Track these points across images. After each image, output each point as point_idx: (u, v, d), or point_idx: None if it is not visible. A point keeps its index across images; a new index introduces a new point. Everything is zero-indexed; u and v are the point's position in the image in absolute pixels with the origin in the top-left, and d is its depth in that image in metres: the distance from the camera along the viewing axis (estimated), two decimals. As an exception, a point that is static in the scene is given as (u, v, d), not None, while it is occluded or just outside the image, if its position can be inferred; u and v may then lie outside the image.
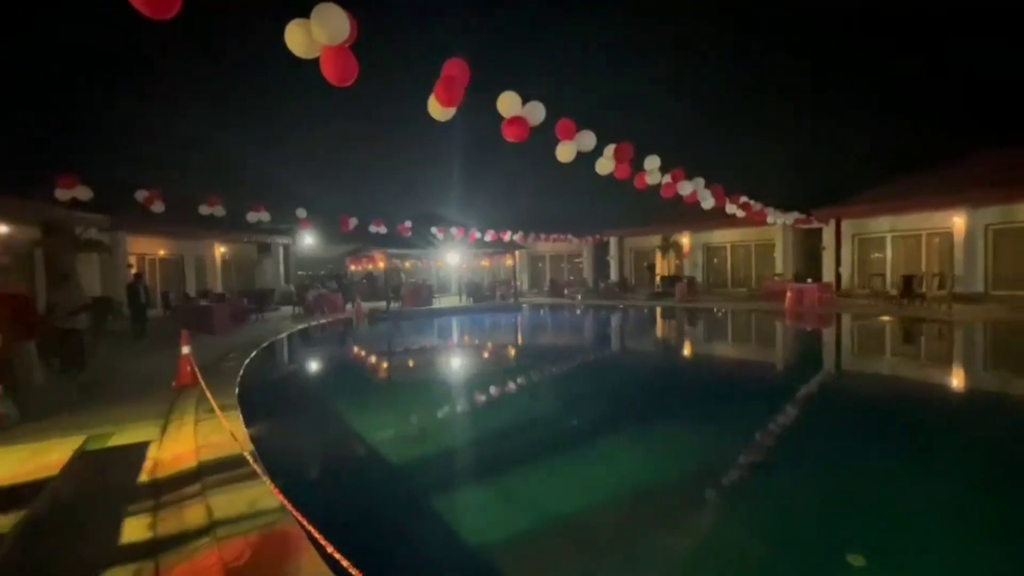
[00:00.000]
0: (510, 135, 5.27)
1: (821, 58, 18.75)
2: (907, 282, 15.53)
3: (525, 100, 5.40)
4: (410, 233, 14.59)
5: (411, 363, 11.10)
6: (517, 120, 5.21)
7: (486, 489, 4.22)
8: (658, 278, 23.86)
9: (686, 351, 11.46)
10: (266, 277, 22.77)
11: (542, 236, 24.66)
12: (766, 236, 21.34)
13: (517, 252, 25.15)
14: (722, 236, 23.11)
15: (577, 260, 29.24)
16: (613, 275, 26.19)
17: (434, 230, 16.78)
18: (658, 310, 18.92)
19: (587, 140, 6.60)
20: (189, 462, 3.85)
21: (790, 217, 17.63)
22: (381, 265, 22.10)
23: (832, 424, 5.72)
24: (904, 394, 7.11)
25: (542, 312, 20.76)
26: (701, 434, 5.39)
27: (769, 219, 16.56)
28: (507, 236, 21.46)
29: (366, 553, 2.38)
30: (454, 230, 18.67)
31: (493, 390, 7.88)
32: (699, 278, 23.37)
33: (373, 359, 11.81)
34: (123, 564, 2.55)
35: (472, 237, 19.48)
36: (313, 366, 11.02)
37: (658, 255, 24.83)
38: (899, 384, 7.68)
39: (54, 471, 3.34)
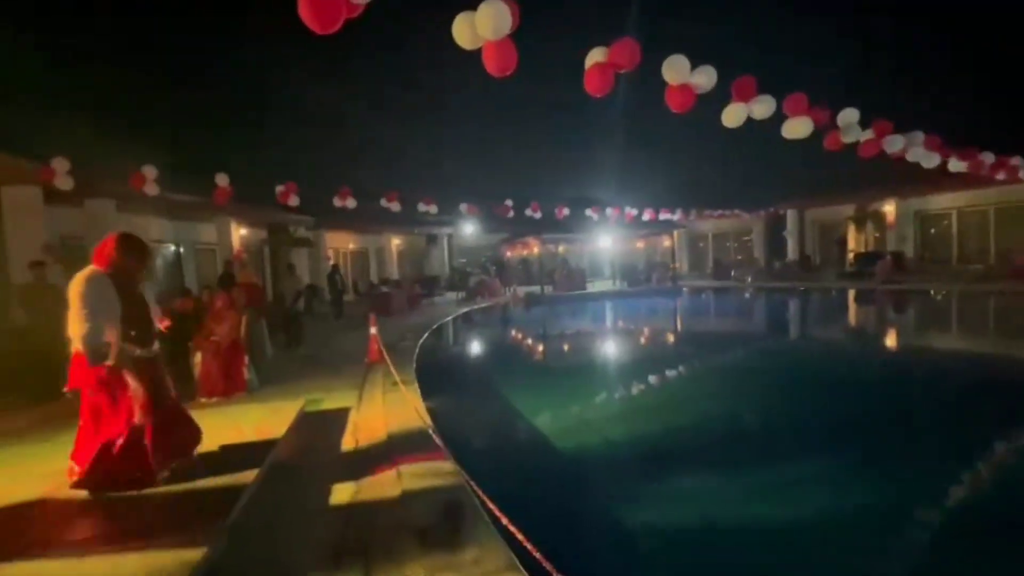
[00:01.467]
0: (675, 105, 4.84)
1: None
2: None
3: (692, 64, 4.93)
4: (565, 215, 14.67)
5: (566, 346, 11.26)
6: (683, 89, 4.74)
7: (649, 482, 4.07)
8: (851, 255, 20.46)
9: (897, 343, 9.63)
10: (433, 265, 25.13)
11: (704, 213, 22.82)
12: (1014, 197, 16.68)
13: (676, 232, 23.72)
14: (944, 201, 18.78)
15: (745, 238, 26.51)
16: (791, 253, 23.18)
17: (588, 211, 16.51)
18: (852, 293, 16.25)
19: (764, 106, 5.77)
20: (379, 427, 4.41)
21: (1054, 170, 13.53)
22: (536, 250, 22.75)
23: None
24: None
25: (704, 296, 19.32)
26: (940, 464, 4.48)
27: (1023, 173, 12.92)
28: (665, 215, 20.34)
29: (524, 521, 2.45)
30: (609, 211, 18.26)
31: (652, 379, 7.57)
32: (908, 253, 19.42)
33: (530, 341, 12.25)
34: (336, 506, 3.01)
35: (629, 216, 18.83)
36: (477, 346, 11.84)
37: (851, 228, 21.26)
38: None
39: (285, 427, 4.10)
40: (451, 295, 19.93)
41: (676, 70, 4.45)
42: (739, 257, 26.31)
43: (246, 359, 5.92)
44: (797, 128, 5.99)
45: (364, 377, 6.46)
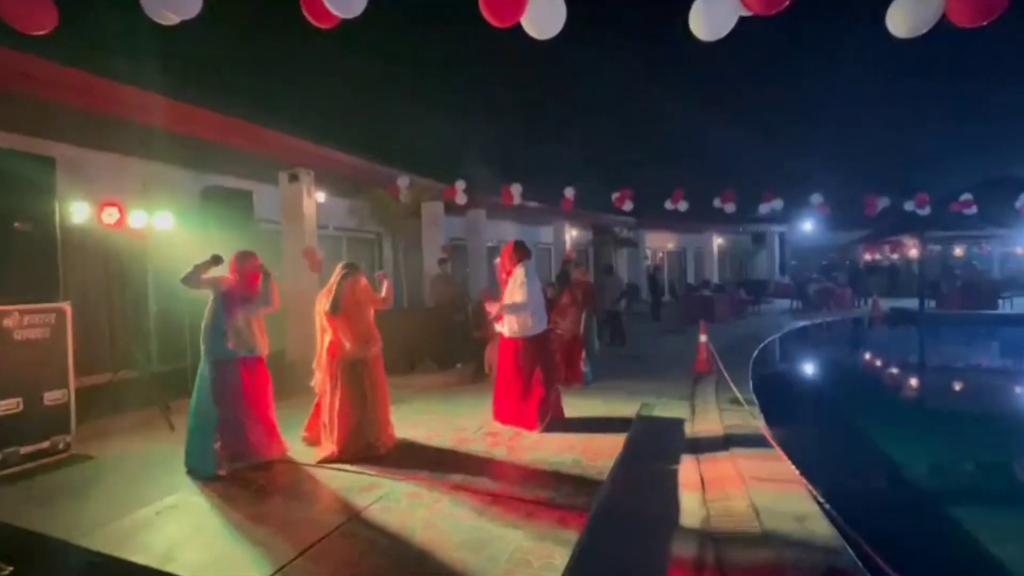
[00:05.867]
0: None
1: None
2: None
3: None
4: (967, 204, 10.83)
5: (956, 386, 8.67)
6: None
7: None
8: None
9: None
10: (759, 267, 22.97)
11: None
12: None
13: None
14: None
15: None
16: None
17: (1019, 197, 11.41)
18: None
19: None
20: (718, 447, 4.25)
21: None
22: (913, 253, 18.10)
23: None
24: None
25: None
26: None
27: None
28: None
29: None
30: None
31: None
32: None
33: (896, 371, 9.91)
34: (687, 529, 3.05)
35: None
36: (824, 369, 10.25)
37: None
38: None
39: (626, 430, 4.38)
40: (782, 303, 17.82)
41: None
42: None
43: (583, 353, 6.62)
44: None
45: (693, 388, 6.36)
